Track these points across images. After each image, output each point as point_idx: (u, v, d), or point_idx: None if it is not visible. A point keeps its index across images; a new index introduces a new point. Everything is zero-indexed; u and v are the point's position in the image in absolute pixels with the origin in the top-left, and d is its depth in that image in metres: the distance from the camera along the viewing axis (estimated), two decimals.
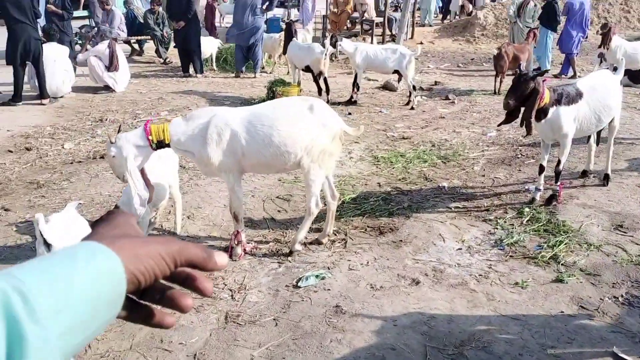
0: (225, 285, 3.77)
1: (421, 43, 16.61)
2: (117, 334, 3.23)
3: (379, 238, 4.46)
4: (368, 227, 4.67)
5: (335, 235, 4.51)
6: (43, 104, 9.15)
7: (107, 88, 10.18)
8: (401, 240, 4.40)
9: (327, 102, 9.08)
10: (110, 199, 5.27)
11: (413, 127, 8.04)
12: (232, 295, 3.64)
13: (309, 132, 3.80)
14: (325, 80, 9.11)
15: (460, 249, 4.28)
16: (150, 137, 3.72)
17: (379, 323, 3.32)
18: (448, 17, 21.37)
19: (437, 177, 5.87)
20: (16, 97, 9.10)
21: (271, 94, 9.02)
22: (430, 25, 19.55)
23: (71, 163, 6.40)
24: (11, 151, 6.84)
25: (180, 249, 0.67)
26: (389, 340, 3.16)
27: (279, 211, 5.04)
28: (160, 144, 3.76)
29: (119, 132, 3.91)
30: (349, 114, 8.83)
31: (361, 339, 3.17)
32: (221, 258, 0.71)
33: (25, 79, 9.33)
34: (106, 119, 8.29)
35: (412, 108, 9.19)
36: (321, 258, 4.13)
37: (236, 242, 4.11)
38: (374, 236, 4.50)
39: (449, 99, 9.91)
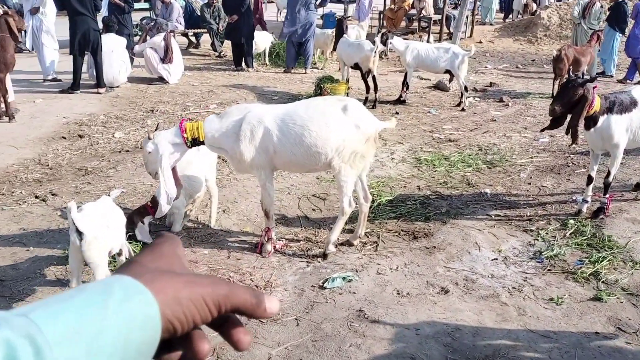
0: (252, 281, 3.79)
1: (480, 42, 16.20)
2: None
3: (411, 243, 4.37)
4: (402, 230, 4.58)
5: (367, 237, 4.45)
6: (99, 93, 9.49)
7: (161, 79, 10.45)
8: (435, 247, 4.29)
9: (375, 100, 9.00)
10: (151, 189, 5.40)
11: (461, 130, 7.83)
12: None
13: (341, 133, 3.75)
14: (373, 78, 9.01)
15: (496, 259, 4.13)
16: (185, 135, 3.77)
17: (401, 331, 3.24)
18: (510, 15, 20.73)
19: (480, 183, 5.69)
20: (74, 86, 9.47)
21: (318, 91, 9.01)
22: (491, 24, 19.00)
23: (119, 152, 6.60)
24: (65, 138, 7.13)
25: (228, 294, 0.59)
26: (410, 349, 3.09)
27: (313, 210, 5.03)
28: (195, 142, 3.81)
29: (156, 129, 3.98)
30: (397, 113, 8.70)
31: (381, 346, 3.11)
32: (272, 304, 0.62)
33: (84, 68, 9.69)
34: (157, 110, 8.50)
35: (462, 109, 8.97)
36: (350, 260, 4.09)
37: (266, 239, 4.12)
38: (407, 241, 4.41)
39: (503, 102, 9.60)
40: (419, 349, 3.08)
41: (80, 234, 3.16)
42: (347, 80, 9.68)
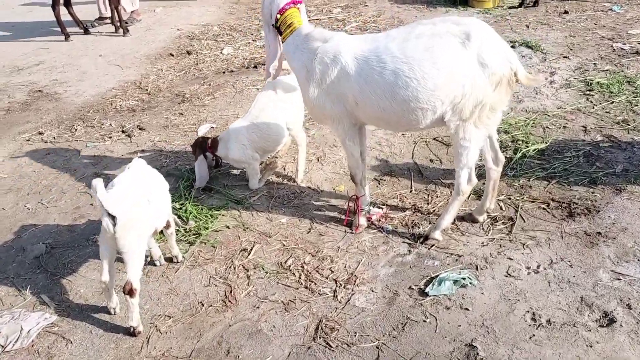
0: (332, 272, 2.87)
1: None
2: (183, 330, 2.59)
3: (565, 223, 3.08)
4: (553, 200, 3.27)
5: (500, 209, 3.24)
6: None
7: None
8: (599, 233, 2.96)
9: None
10: None
11: None
12: (334, 292, 2.74)
13: (459, 77, 2.49)
14: None
15: None
16: (278, 17, 2.89)
17: None
18: None
19: None
20: None
21: None
22: None
23: (223, 73, 5.85)
24: (172, 55, 6.54)
25: None
26: None
27: (431, 161, 3.86)
28: (279, 30, 2.94)
29: None
30: (565, 12, 6.78)
31: None
32: None
33: None
34: None
35: None
36: (470, 247, 2.96)
37: (356, 210, 3.13)
38: (559, 219, 3.12)
39: None
40: None
41: (113, 217, 2.44)
42: None
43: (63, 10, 7.16)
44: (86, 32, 7.51)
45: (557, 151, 3.78)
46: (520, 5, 7.18)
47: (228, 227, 3.29)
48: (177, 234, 3.09)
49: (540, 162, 3.68)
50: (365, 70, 2.62)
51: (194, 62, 6.25)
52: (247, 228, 3.28)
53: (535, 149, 3.80)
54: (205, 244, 3.16)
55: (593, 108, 4.33)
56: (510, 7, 7.22)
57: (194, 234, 3.24)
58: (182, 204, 3.47)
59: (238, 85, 5.44)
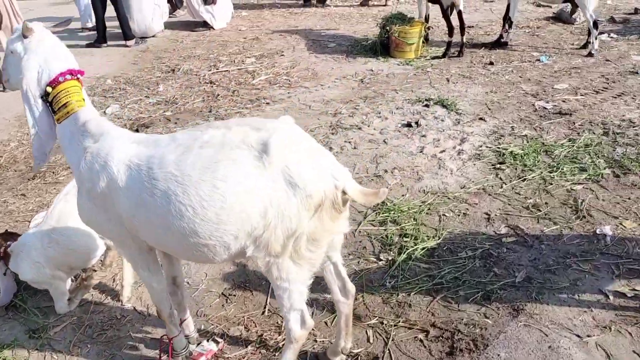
0: None
1: None
2: None
3: None
4: (434, 327, 2.56)
5: (368, 341, 2.50)
6: (127, 46, 8.01)
7: (205, 24, 8.72)
8: None
9: (462, 46, 6.57)
10: None
11: (581, 91, 5.29)
12: None
13: (256, 204, 1.77)
14: (459, 14, 6.53)
15: None
16: (49, 89, 2.13)
17: None
18: None
19: (598, 209, 3.38)
20: (99, 38, 8.07)
21: (385, 35, 6.77)
22: None
23: None
24: None
25: None
26: None
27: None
28: (51, 106, 2.15)
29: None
30: (490, 63, 6.26)
31: None
32: None
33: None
34: (179, 69, 6.83)
35: (589, 54, 6.28)
36: None
37: (167, 355, 2.35)
38: (436, 358, 2.41)
39: None
40: None
41: None
42: (427, 19, 7.25)
43: None
44: None
45: (450, 250, 3.10)
46: (444, 56, 6.65)
47: None
48: None
49: (427, 266, 2.98)
50: (136, 186, 1.88)
51: None
52: None
53: (424, 248, 3.10)
54: None
55: (501, 187, 3.69)
56: (433, 57, 6.68)
57: None
58: None
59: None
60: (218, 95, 5.89)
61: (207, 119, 5.24)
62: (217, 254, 1.86)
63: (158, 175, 1.82)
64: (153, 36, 8.45)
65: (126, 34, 7.95)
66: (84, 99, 2.14)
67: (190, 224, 1.77)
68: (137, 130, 5.08)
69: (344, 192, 1.85)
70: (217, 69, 6.76)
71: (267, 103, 5.58)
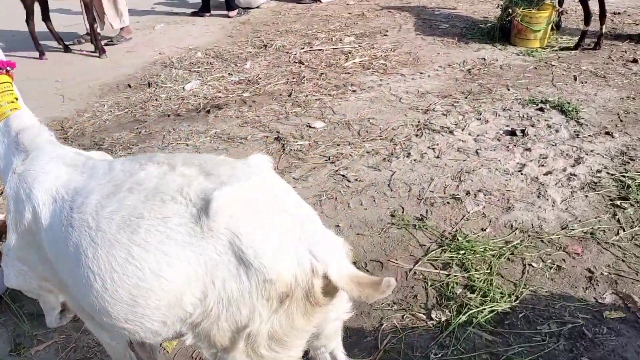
0: None
1: None
2: None
3: None
4: None
5: None
6: (229, 17, 7.71)
7: None
8: None
9: (600, 37, 5.42)
10: None
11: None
12: None
13: (189, 282, 1.20)
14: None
15: None
16: None
17: None
18: None
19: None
20: (203, 8, 7.84)
21: (506, 18, 5.80)
22: None
23: (168, 116, 4.77)
24: (130, 86, 5.56)
25: None
26: None
27: None
28: None
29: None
30: (634, 61, 5.09)
31: None
32: None
33: None
34: (273, 45, 6.38)
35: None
36: None
37: None
38: None
39: None
40: None
41: None
42: (560, 2, 6.10)
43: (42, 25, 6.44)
44: (67, 49, 6.73)
45: (528, 319, 2.33)
46: (576, 47, 5.54)
47: None
48: None
49: (492, 338, 2.25)
50: (55, 226, 1.40)
51: (148, 97, 5.23)
52: None
53: (492, 311, 2.37)
54: None
55: (617, 235, 2.80)
56: (562, 49, 5.59)
57: None
58: None
59: (170, 137, 4.34)
60: (304, 77, 5.36)
61: (283, 106, 4.73)
62: (145, 338, 1.33)
63: (75, 222, 1.32)
64: (257, 7, 8.09)
65: (229, 4, 7.65)
66: (17, 99, 1.68)
67: (99, 298, 1.26)
68: (208, 112, 4.72)
69: (325, 278, 1.22)
70: (311, 47, 6.21)
71: (354, 91, 4.95)
